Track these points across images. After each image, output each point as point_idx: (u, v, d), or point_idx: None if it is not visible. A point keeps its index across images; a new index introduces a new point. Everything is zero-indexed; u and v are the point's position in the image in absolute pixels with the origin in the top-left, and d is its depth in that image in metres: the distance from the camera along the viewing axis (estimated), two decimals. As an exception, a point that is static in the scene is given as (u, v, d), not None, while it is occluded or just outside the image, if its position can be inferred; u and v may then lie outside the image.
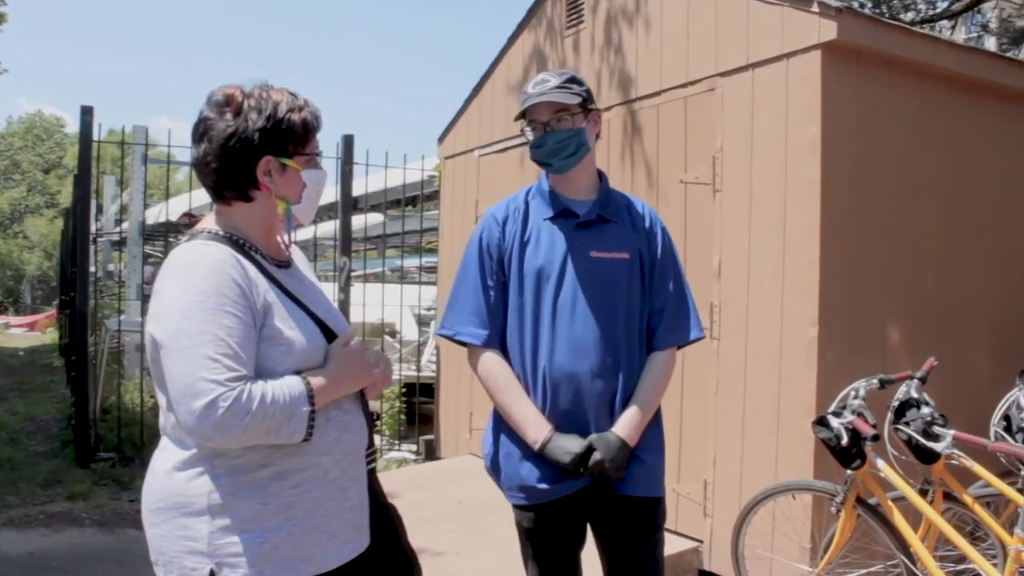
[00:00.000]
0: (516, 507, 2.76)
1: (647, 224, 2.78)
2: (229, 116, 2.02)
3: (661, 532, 2.77)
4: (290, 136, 2.05)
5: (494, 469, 2.80)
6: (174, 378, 1.85)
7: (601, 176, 2.85)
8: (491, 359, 2.73)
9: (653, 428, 2.74)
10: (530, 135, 2.72)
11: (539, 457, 2.62)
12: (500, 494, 2.82)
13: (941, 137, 4.73)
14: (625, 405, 2.65)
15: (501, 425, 2.76)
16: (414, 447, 7.93)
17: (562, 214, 2.74)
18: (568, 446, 2.56)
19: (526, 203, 2.81)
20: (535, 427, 2.62)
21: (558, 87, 2.67)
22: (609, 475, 2.57)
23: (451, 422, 7.48)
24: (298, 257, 2.34)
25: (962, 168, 4.82)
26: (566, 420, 2.63)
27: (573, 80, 2.71)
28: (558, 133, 2.67)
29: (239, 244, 2.06)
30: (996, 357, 4.90)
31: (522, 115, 2.74)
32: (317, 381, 1.98)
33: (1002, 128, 5.02)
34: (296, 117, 2.06)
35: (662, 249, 2.77)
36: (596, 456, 2.54)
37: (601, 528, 2.75)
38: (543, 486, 2.63)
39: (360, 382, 2.13)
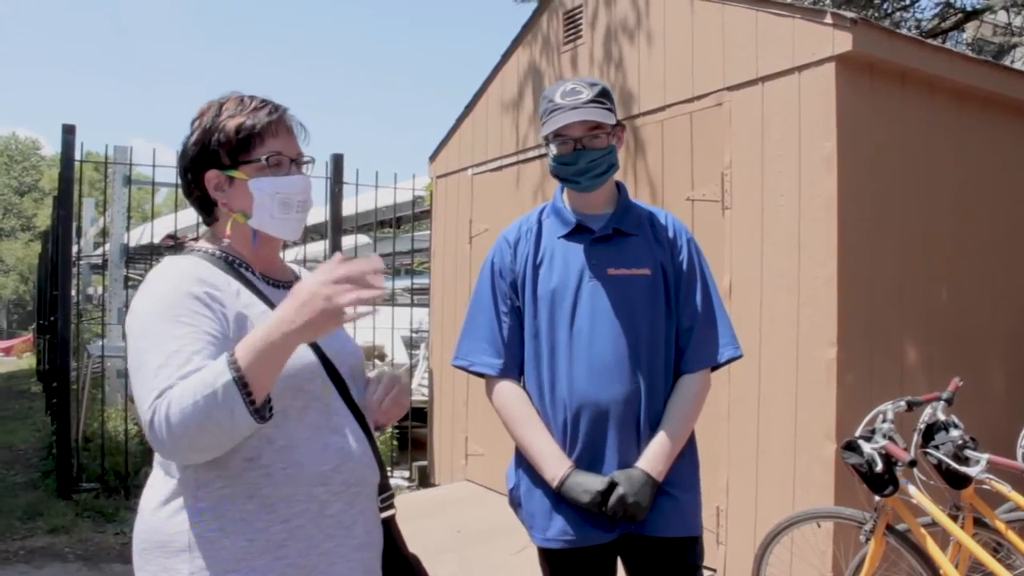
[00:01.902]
0: (538, 546, 2.59)
1: (671, 235, 2.58)
2: (188, 135, 1.93)
3: (700, 573, 2.59)
4: (224, 145, 1.88)
5: (514, 503, 2.63)
6: (135, 399, 1.68)
7: (619, 187, 2.65)
8: (507, 390, 2.56)
9: (686, 460, 2.54)
10: (555, 149, 2.51)
11: (560, 496, 2.44)
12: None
13: (952, 150, 4.64)
14: (652, 435, 2.47)
15: (523, 458, 2.58)
16: (407, 473, 7.73)
17: (577, 231, 2.55)
18: (588, 484, 2.37)
19: (539, 222, 2.63)
20: (553, 464, 2.44)
21: (592, 101, 2.45)
22: (632, 514, 2.37)
23: (445, 447, 7.30)
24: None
25: (972, 182, 4.73)
26: (588, 453, 2.45)
27: (605, 93, 2.51)
28: (592, 152, 2.47)
29: (228, 261, 1.90)
30: (1013, 374, 4.80)
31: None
32: (244, 340, 1.63)
33: (1012, 141, 4.95)
34: (231, 124, 1.88)
35: (688, 262, 2.56)
36: (619, 492, 2.34)
37: (635, 571, 2.56)
38: (567, 534, 2.45)
39: (316, 308, 1.58)
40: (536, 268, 2.55)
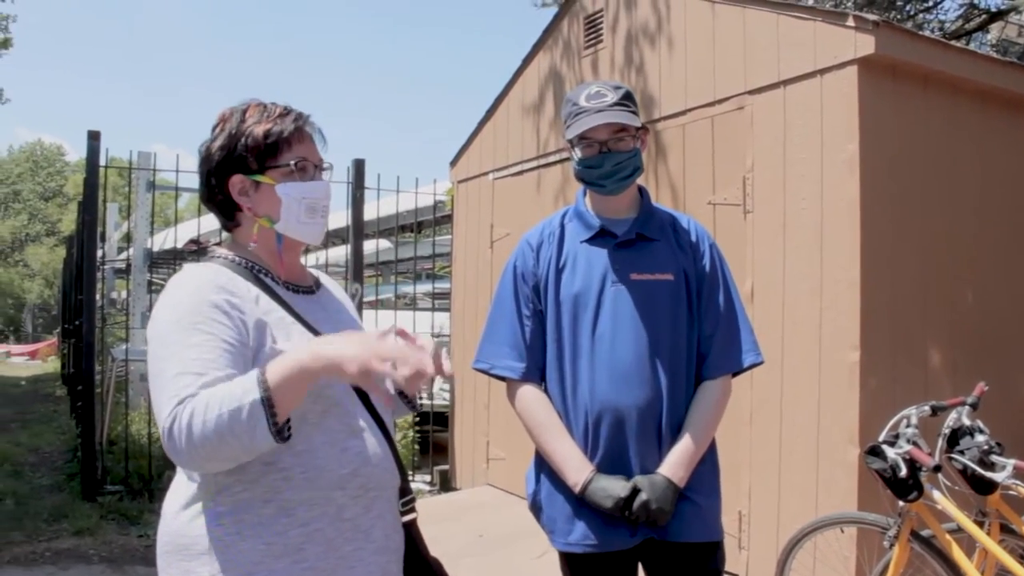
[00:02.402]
0: (559, 551, 2.59)
1: (694, 241, 2.57)
2: (209, 140, 1.94)
3: None
4: (253, 150, 1.89)
5: (535, 508, 2.63)
6: (152, 405, 1.71)
7: (642, 192, 2.64)
8: (529, 394, 2.55)
9: (707, 466, 2.53)
10: (580, 152, 2.51)
11: (582, 501, 2.44)
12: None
13: (975, 152, 4.61)
14: (673, 440, 2.46)
15: (543, 463, 2.58)
16: (428, 477, 7.74)
17: (600, 235, 2.55)
18: (611, 489, 2.37)
19: (562, 226, 2.63)
20: (575, 468, 2.43)
21: (618, 104, 2.46)
22: (655, 520, 2.37)
23: (467, 451, 7.31)
24: (331, 285, 2.19)
25: (996, 183, 4.70)
26: (609, 458, 2.44)
27: (630, 96, 2.51)
28: (617, 155, 2.47)
29: (248, 267, 1.92)
30: (1038, 380, 4.75)
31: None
32: (279, 361, 1.65)
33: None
34: (258, 129, 1.90)
35: (710, 267, 2.56)
36: (642, 497, 2.34)
37: None
38: (589, 539, 2.44)
39: (354, 357, 1.61)
40: (559, 272, 2.55)
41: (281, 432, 1.63)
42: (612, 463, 2.44)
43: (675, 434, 2.46)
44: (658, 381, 2.45)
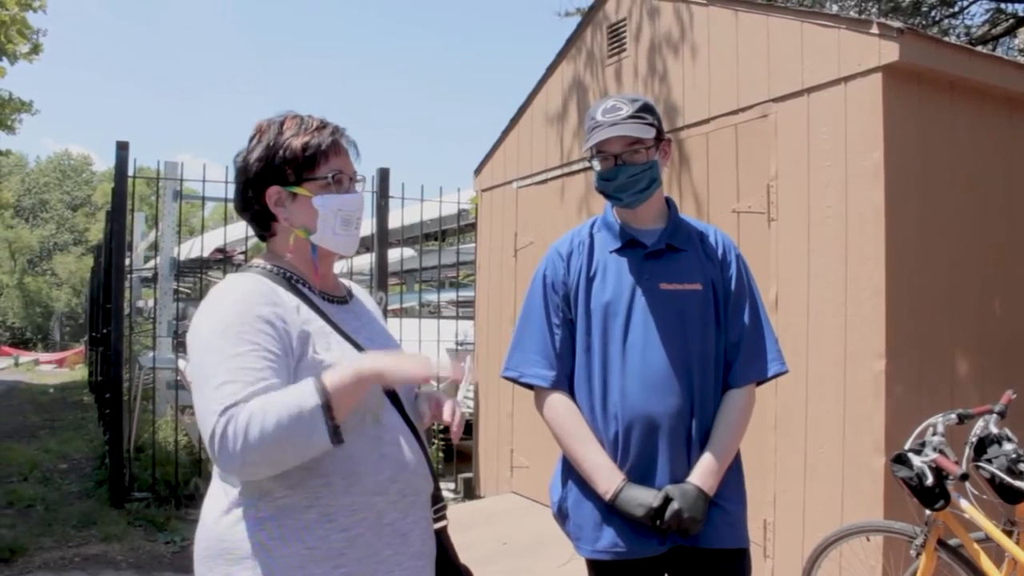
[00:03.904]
0: (586, 559, 2.59)
1: (720, 252, 2.60)
2: (245, 151, 1.99)
3: None
4: (291, 162, 1.94)
5: (561, 515, 2.64)
6: (196, 411, 1.75)
7: (669, 203, 2.67)
8: (559, 402, 2.57)
9: (733, 473, 2.55)
10: (598, 165, 2.55)
11: (611, 509, 2.45)
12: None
13: (1002, 159, 4.58)
14: (702, 448, 2.47)
15: (571, 470, 2.59)
16: (452, 485, 7.76)
17: (629, 245, 2.57)
18: (642, 498, 2.38)
19: (591, 236, 2.65)
20: (606, 477, 2.45)
21: (631, 117, 2.49)
22: (686, 529, 2.38)
23: (491, 460, 7.32)
24: (361, 295, 2.23)
25: (1022, 189, 4.65)
26: (638, 466, 2.46)
27: (646, 108, 2.53)
28: (631, 168, 2.50)
29: (286, 278, 1.96)
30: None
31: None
32: (334, 371, 1.76)
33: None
34: (296, 142, 1.94)
35: (736, 278, 2.58)
36: (674, 506, 2.35)
37: None
38: (618, 546, 2.46)
39: (404, 369, 1.79)
40: (589, 281, 2.57)
41: (336, 434, 1.72)
42: (641, 471, 2.45)
43: (703, 442, 2.48)
44: (688, 390, 2.47)
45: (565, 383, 2.58)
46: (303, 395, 1.70)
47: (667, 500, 2.37)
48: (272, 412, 1.67)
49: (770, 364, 2.59)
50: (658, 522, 2.37)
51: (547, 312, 2.60)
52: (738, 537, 2.53)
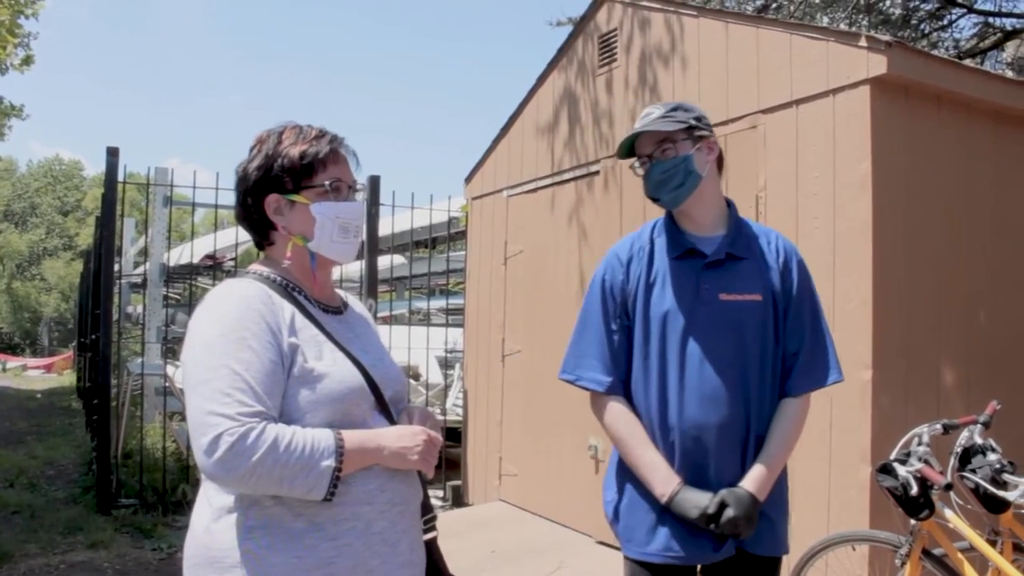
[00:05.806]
0: (629, 560, 2.58)
1: (781, 260, 2.57)
2: (246, 161, 2.01)
3: None
4: (289, 170, 1.96)
5: (615, 518, 2.63)
6: (189, 413, 1.75)
7: (730, 205, 2.65)
8: (617, 408, 2.56)
9: (780, 481, 2.57)
10: (639, 171, 2.58)
11: (666, 511, 2.45)
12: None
13: (989, 172, 4.62)
14: (756, 456, 2.47)
15: (626, 473, 2.59)
16: (440, 493, 7.75)
17: (688, 253, 2.55)
18: (698, 501, 2.38)
19: (651, 241, 2.62)
20: (663, 480, 2.45)
21: (661, 117, 2.51)
22: (739, 534, 2.39)
23: (479, 467, 7.32)
24: (356, 306, 2.23)
25: (1010, 202, 4.70)
26: (693, 472, 2.46)
27: (679, 108, 2.54)
28: (662, 164, 2.50)
29: (282, 285, 1.97)
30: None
31: (631, 152, 2.58)
32: (354, 438, 1.83)
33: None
34: (294, 151, 1.96)
35: (798, 286, 2.56)
36: (730, 513, 2.35)
37: None
38: (671, 551, 2.46)
39: (403, 460, 1.92)
40: (649, 288, 2.56)
41: (332, 494, 1.79)
42: (694, 476, 2.46)
43: (757, 451, 2.48)
44: (744, 401, 2.47)
45: (620, 388, 2.57)
46: (322, 450, 1.77)
47: (723, 505, 2.37)
48: (285, 452, 1.72)
49: (830, 373, 2.58)
50: (712, 525, 2.37)
51: (606, 317, 2.59)
52: (780, 545, 2.56)
